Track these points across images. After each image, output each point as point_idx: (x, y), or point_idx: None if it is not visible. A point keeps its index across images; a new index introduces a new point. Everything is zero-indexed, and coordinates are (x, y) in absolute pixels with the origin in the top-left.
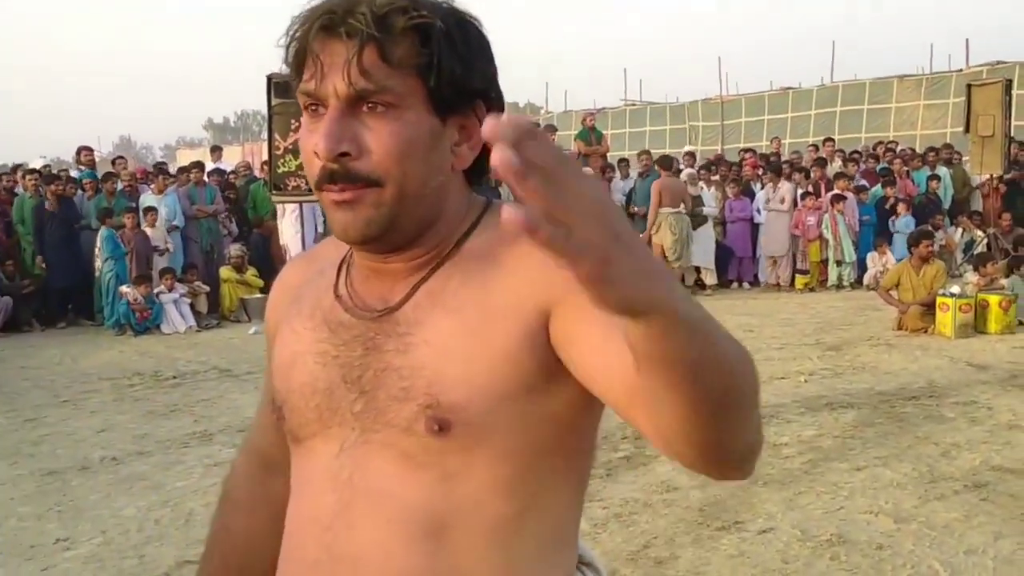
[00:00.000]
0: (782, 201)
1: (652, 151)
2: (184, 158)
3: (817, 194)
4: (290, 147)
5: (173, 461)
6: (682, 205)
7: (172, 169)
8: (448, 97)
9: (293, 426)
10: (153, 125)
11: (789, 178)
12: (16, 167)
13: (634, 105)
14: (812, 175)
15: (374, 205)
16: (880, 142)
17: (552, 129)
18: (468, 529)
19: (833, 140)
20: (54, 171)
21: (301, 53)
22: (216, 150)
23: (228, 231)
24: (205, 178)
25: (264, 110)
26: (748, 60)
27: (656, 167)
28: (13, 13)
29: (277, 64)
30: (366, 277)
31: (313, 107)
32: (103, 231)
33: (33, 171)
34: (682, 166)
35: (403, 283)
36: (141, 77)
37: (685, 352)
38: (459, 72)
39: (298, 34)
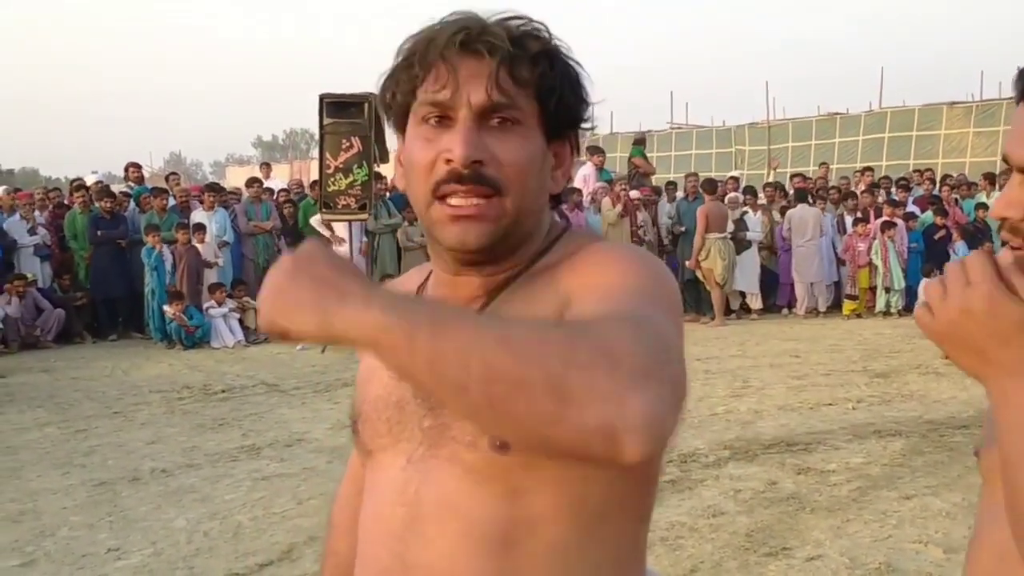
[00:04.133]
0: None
1: (699, 174)
2: (233, 175)
3: (866, 220)
4: (340, 166)
5: (222, 474)
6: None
7: (227, 186)
8: (560, 122)
9: (365, 438)
10: (203, 142)
11: (837, 205)
12: (73, 182)
13: (680, 128)
14: (861, 202)
15: (494, 218)
16: (917, 170)
17: (598, 151)
18: (533, 546)
19: (872, 170)
20: (107, 186)
21: (431, 65)
22: (265, 167)
23: (278, 248)
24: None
25: (313, 129)
26: (795, 85)
27: (701, 191)
28: (68, 29)
29: (328, 84)
30: (442, 299)
31: (438, 117)
32: (145, 247)
33: (81, 187)
34: (729, 190)
35: (477, 300)
36: (192, 94)
37: (394, 361)
38: (571, 101)
39: (430, 47)
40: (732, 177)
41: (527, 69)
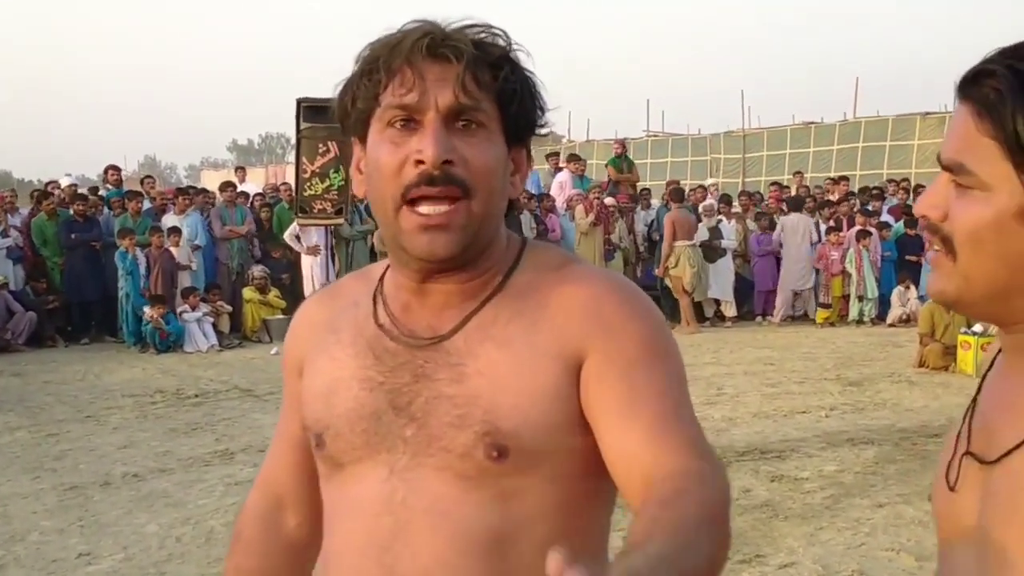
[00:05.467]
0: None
1: (680, 182)
2: (208, 179)
3: (840, 229)
4: (317, 170)
5: (194, 479)
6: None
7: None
8: (519, 127)
9: (335, 452)
10: (178, 145)
11: (813, 213)
12: (48, 184)
13: (656, 136)
14: (836, 211)
15: (462, 225)
16: (892, 180)
17: (576, 159)
18: (524, 546)
19: (847, 179)
20: (81, 190)
21: (397, 70)
22: (240, 171)
23: (252, 252)
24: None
25: (289, 133)
26: (771, 94)
27: (667, 199)
28: (50, 33)
29: (304, 88)
30: (406, 306)
31: (403, 120)
32: (119, 251)
33: (48, 195)
34: (709, 198)
35: (452, 312)
36: (168, 97)
37: None
38: (530, 106)
39: (395, 53)
40: (701, 186)
41: (490, 73)
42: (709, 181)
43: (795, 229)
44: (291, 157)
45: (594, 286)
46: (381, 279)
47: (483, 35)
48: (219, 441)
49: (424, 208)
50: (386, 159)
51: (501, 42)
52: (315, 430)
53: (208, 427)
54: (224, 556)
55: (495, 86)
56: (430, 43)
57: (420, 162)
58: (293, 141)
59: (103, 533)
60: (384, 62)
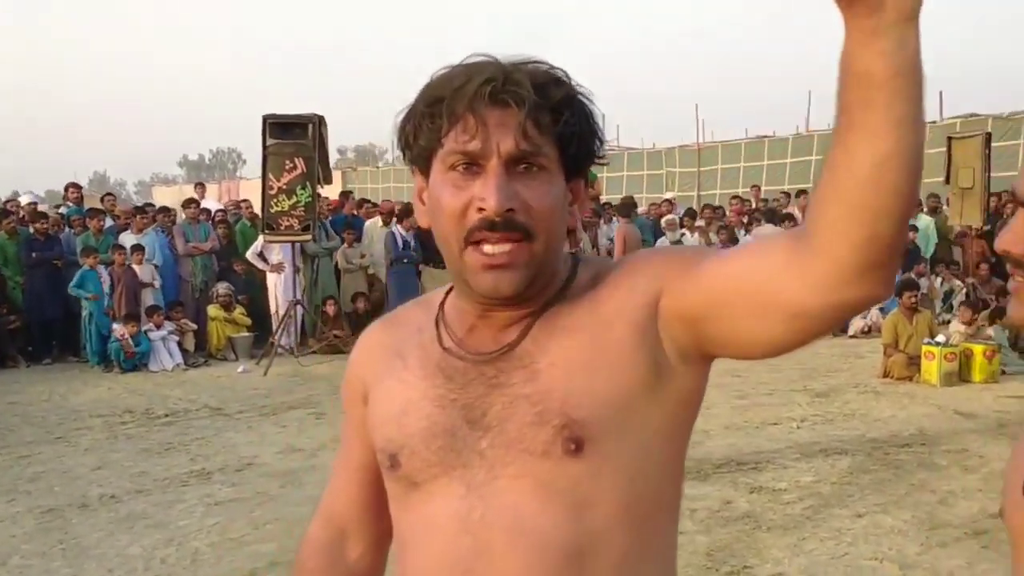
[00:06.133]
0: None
1: (633, 197)
2: (160, 195)
3: None
4: (284, 187)
5: (173, 500)
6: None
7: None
8: (578, 164)
9: (411, 471)
10: (127, 161)
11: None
12: (7, 202)
13: (612, 150)
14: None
15: (524, 264)
16: None
17: None
18: (602, 560)
19: (806, 192)
20: (36, 206)
21: (460, 117)
22: (199, 187)
23: (216, 269)
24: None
25: (240, 148)
26: (724, 108)
27: (615, 214)
28: None
29: (261, 105)
30: (472, 328)
31: (466, 165)
32: (82, 270)
33: (7, 213)
34: (671, 213)
35: (515, 326)
36: (115, 112)
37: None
38: (588, 142)
39: (457, 98)
40: (668, 200)
41: (551, 117)
42: (667, 195)
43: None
44: (243, 172)
45: (638, 256)
46: (441, 305)
47: (543, 76)
48: (194, 461)
49: (488, 248)
50: (448, 201)
51: (562, 82)
52: (388, 451)
53: (181, 447)
54: None
55: (556, 129)
56: (492, 90)
57: (482, 209)
58: (246, 156)
59: (86, 556)
60: (447, 107)
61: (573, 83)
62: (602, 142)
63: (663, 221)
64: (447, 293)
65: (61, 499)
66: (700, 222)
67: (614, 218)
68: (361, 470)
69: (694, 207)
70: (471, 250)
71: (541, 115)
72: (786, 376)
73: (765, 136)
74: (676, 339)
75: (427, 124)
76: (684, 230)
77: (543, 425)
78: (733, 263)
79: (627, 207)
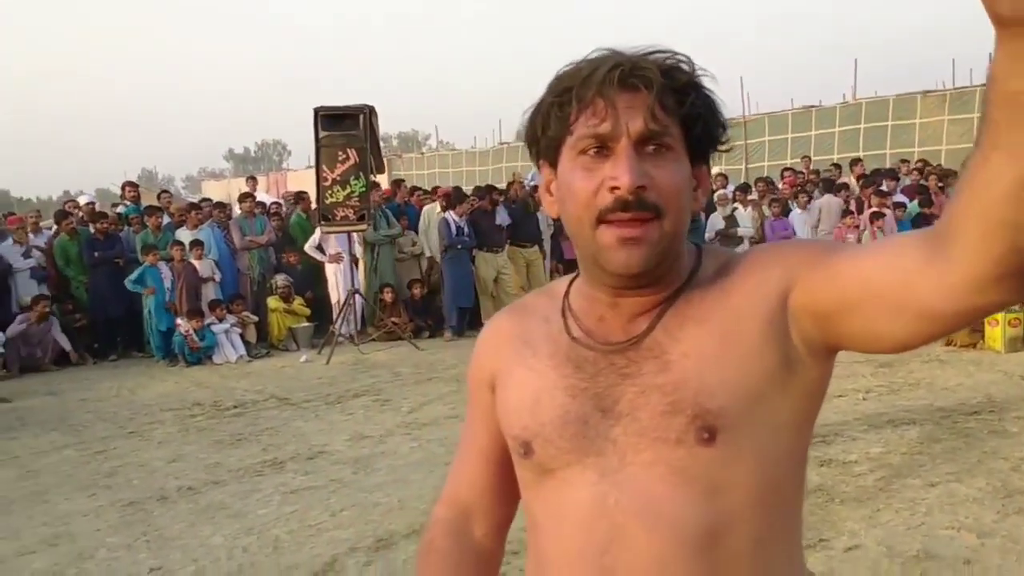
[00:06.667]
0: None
1: None
2: (209, 189)
3: (859, 211)
4: (338, 178)
5: (249, 489)
6: None
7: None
8: (702, 147)
9: (545, 458)
10: (174, 157)
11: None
12: (67, 203)
13: None
14: (853, 192)
15: (655, 241)
16: (904, 160)
17: None
18: (735, 542)
19: (862, 161)
20: (94, 205)
21: (590, 101)
22: (251, 180)
23: (273, 261)
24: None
25: (286, 139)
26: (770, 79)
27: None
28: (42, 49)
29: (302, 96)
30: (600, 318)
31: (596, 148)
32: (143, 267)
33: (66, 214)
34: (718, 188)
35: (645, 316)
36: (161, 108)
37: None
38: (712, 125)
39: (587, 85)
40: (722, 174)
41: (676, 99)
42: (715, 169)
43: (831, 210)
44: (289, 163)
45: (767, 247)
46: (566, 295)
47: (669, 61)
48: (266, 451)
49: (620, 226)
50: (581, 184)
51: (686, 67)
52: (523, 438)
53: (252, 437)
54: (294, 563)
55: (681, 111)
56: (621, 74)
57: (615, 188)
58: (291, 147)
59: (170, 547)
60: (576, 93)
61: (697, 69)
62: (725, 128)
63: (715, 196)
64: (570, 283)
65: (140, 492)
66: (753, 195)
67: None
68: (485, 454)
69: (743, 180)
70: (604, 227)
71: (668, 97)
72: None
73: (812, 106)
74: (805, 332)
75: (556, 113)
76: (737, 204)
77: (676, 414)
78: (867, 262)
79: None
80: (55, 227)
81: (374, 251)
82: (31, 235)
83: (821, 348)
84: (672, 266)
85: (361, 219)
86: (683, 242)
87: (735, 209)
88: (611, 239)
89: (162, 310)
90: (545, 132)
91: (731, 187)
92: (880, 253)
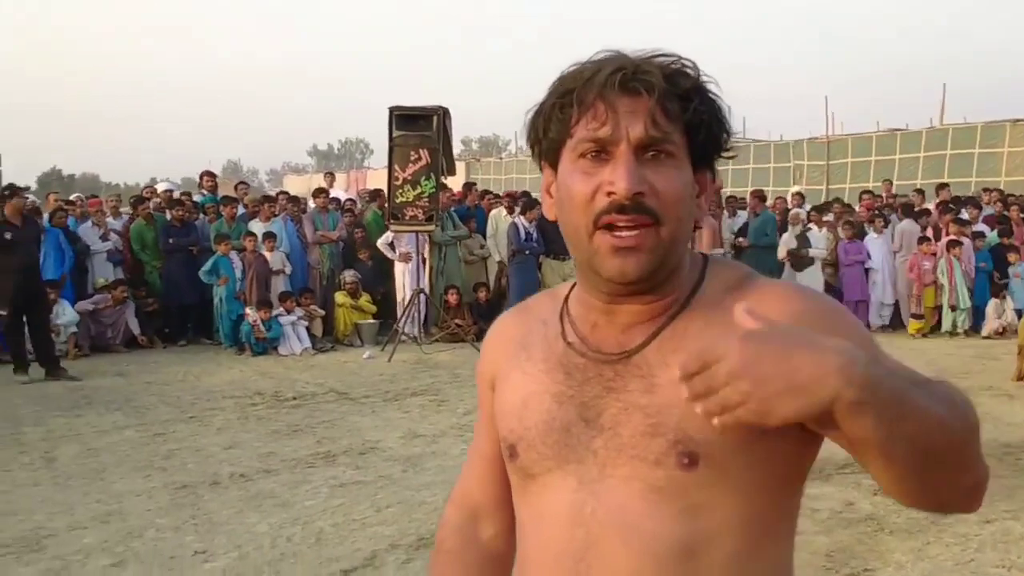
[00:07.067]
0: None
1: (763, 190)
2: (290, 183)
3: (937, 238)
4: (409, 177)
5: (300, 480)
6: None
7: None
8: (706, 153)
9: (528, 462)
10: (260, 150)
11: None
12: (145, 188)
13: (738, 143)
14: (933, 219)
15: (651, 248)
16: (986, 189)
17: None
18: (710, 560)
19: (948, 186)
20: (171, 193)
21: (591, 104)
22: (329, 176)
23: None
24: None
25: (368, 138)
26: (855, 100)
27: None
28: (126, 37)
29: (384, 94)
30: (595, 326)
31: (595, 152)
32: (215, 256)
33: (143, 200)
34: (790, 206)
35: (640, 329)
36: (250, 103)
37: (874, 435)
38: (716, 132)
39: (588, 87)
40: (799, 193)
41: (679, 105)
42: (794, 188)
43: (909, 236)
44: (370, 162)
45: (789, 295)
46: (566, 299)
47: (673, 66)
48: (320, 443)
49: (616, 232)
50: (579, 188)
51: (690, 72)
52: (509, 441)
53: (308, 429)
54: (335, 556)
55: (684, 117)
56: (622, 78)
57: (612, 193)
58: (374, 146)
59: (216, 531)
60: (578, 96)
61: (701, 74)
62: (729, 134)
63: (788, 215)
64: (572, 287)
65: (194, 476)
66: (829, 217)
67: (737, 210)
68: (491, 458)
69: (823, 201)
70: (600, 233)
71: (670, 102)
72: None
73: (897, 129)
74: None
75: (557, 115)
76: (812, 224)
77: (656, 437)
78: None
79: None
80: (130, 213)
81: (440, 252)
82: (110, 219)
83: None
84: (671, 276)
85: (429, 219)
86: (684, 251)
87: (808, 229)
88: (607, 246)
89: (232, 299)
90: (546, 134)
91: (807, 207)
92: None
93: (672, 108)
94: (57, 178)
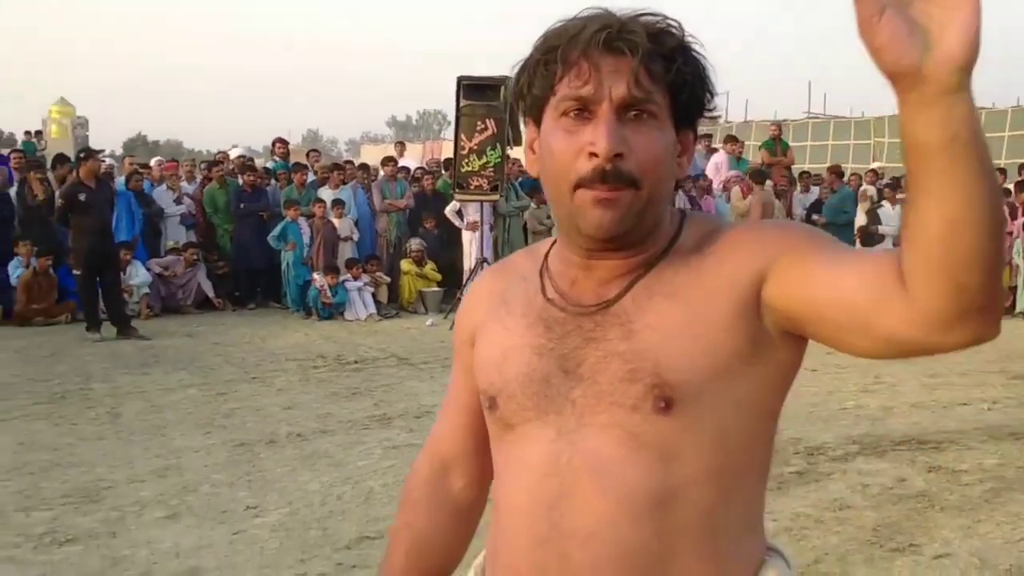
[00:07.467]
0: None
1: (841, 166)
2: (367, 153)
3: (1013, 217)
4: (475, 147)
5: (354, 441)
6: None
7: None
8: (688, 113)
9: (507, 413)
10: (339, 120)
11: None
12: (217, 155)
13: (817, 118)
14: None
15: (629, 205)
16: None
17: (734, 140)
18: (683, 509)
19: None
20: (251, 160)
21: (574, 62)
22: (399, 145)
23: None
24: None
25: (446, 110)
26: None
27: (752, 182)
28: (210, 8)
29: (462, 65)
30: (574, 280)
31: (577, 111)
32: (283, 222)
33: (217, 163)
34: (865, 184)
35: (617, 281)
36: (330, 73)
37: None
38: (700, 93)
39: (572, 45)
40: (872, 170)
41: (663, 65)
42: (874, 165)
43: None
44: (447, 133)
45: (751, 226)
46: (546, 256)
47: (658, 25)
48: (377, 406)
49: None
50: (560, 147)
51: (675, 32)
52: (489, 393)
53: (367, 392)
54: (381, 515)
55: (667, 77)
56: (607, 37)
57: (593, 154)
58: (450, 118)
59: (269, 488)
60: (562, 53)
61: (686, 34)
62: (712, 95)
63: (859, 191)
64: (552, 244)
65: (252, 434)
66: (903, 194)
67: (811, 187)
68: (466, 410)
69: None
70: (581, 191)
71: (654, 63)
72: (983, 357)
73: (982, 108)
74: (776, 321)
75: (541, 72)
76: (885, 201)
77: (634, 382)
78: (841, 276)
79: (761, 174)
80: (201, 177)
81: (505, 223)
82: (184, 183)
83: (793, 334)
84: (649, 232)
85: (494, 189)
86: (663, 208)
87: (880, 206)
88: (587, 201)
89: (299, 264)
90: (530, 90)
91: (882, 183)
92: (857, 270)
93: (656, 68)
94: (142, 143)
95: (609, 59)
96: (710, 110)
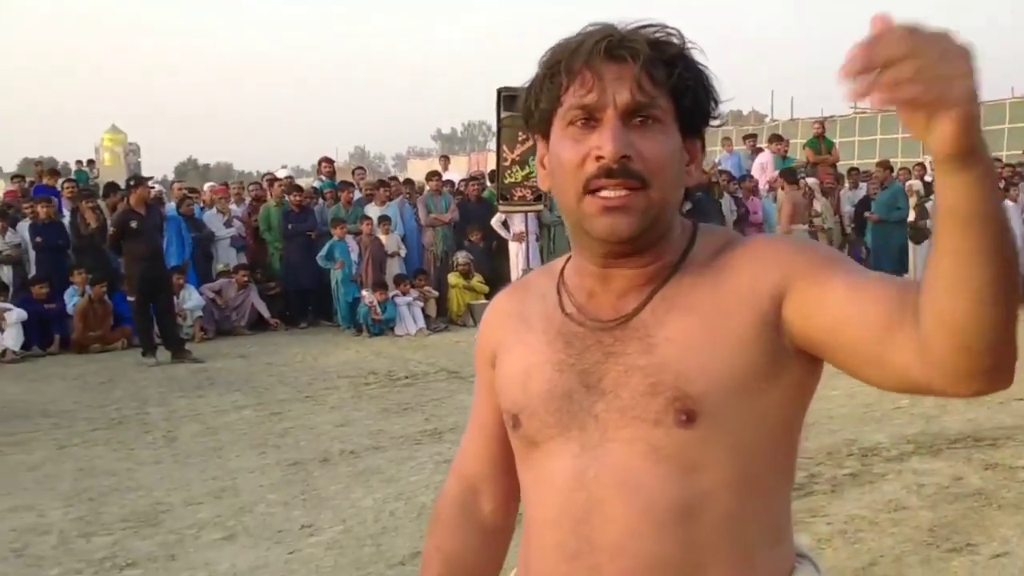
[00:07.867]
0: None
1: (890, 161)
2: (414, 168)
3: None
4: (517, 158)
5: (406, 457)
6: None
7: (409, 177)
8: (694, 120)
9: (531, 431)
10: (385, 136)
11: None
12: (264, 176)
13: (864, 113)
14: None
15: (640, 209)
16: None
17: (779, 140)
18: (709, 519)
19: None
20: (293, 180)
21: (578, 72)
22: (443, 159)
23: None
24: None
25: (490, 122)
26: (988, 66)
27: (784, 181)
28: (253, 30)
29: (504, 78)
30: (591, 294)
31: (584, 119)
32: (331, 241)
33: (274, 180)
34: (913, 179)
35: (634, 294)
36: (376, 90)
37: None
38: (703, 99)
39: (575, 56)
40: (920, 163)
41: (665, 71)
42: (923, 158)
43: None
44: (492, 144)
45: (768, 241)
46: (562, 272)
47: (658, 35)
48: (428, 421)
49: (605, 192)
50: (568, 155)
51: (675, 40)
52: (512, 411)
53: (418, 407)
54: None
55: (670, 83)
56: (608, 45)
57: (600, 157)
58: (494, 129)
59: (323, 506)
60: (565, 65)
61: (687, 42)
62: (716, 102)
63: (906, 185)
64: (567, 260)
65: (306, 453)
66: None
67: (860, 183)
68: (490, 429)
69: None
70: (589, 197)
71: (655, 68)
72: None
73: (981, 102)
74: (795, 339)
75: (547, 86)
76: (932, 197)
77: (656, 396)
78: (861, 303)
79: (792, 174)
80: (249, 199)
81: (550, 233)
82: (232, 205)
83: (807, 353)
84: (661, 239)
85: (538, 199)
86: (674, 215)
87: (927, 200)
88: (596, 207)
89: (348, 282)
90: (537, 105)
91: (929, 177)
92: (877, 298)
93: (658, 74)
94: (193, 167)
95: (612, 67)
96: (715, 117)
